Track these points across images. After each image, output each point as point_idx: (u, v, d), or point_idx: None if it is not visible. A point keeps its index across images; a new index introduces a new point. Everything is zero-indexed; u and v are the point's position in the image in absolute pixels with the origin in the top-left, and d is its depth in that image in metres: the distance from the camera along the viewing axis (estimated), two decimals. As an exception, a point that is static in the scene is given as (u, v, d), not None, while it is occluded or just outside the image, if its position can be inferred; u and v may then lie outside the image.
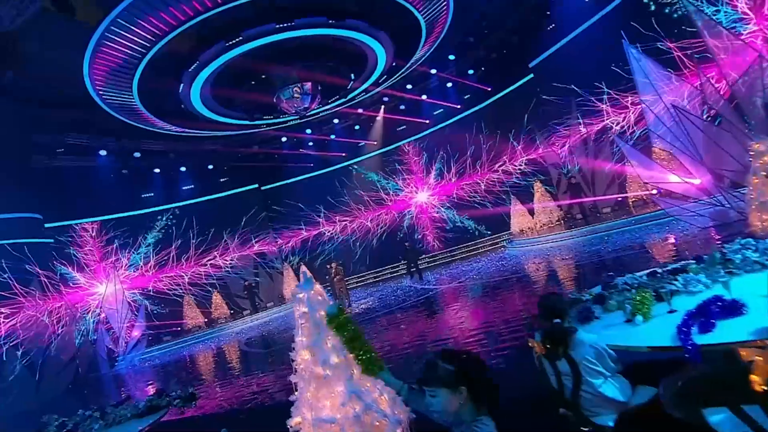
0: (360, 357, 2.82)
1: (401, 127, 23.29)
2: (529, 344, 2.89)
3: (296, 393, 3.75)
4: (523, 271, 11.42)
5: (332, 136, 23.88)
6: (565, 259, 10.97)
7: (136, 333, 16.81)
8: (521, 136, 18.96)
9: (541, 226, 16.81)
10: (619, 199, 14.31)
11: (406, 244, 16.44)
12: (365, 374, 2.88)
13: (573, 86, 15.19)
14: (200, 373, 10.90)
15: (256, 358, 10.81)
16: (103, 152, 18.00)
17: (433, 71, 19.80)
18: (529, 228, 17.22)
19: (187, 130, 18.41)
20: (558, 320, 2.72)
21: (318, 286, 4.12)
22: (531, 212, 17.36)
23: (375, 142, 23.77)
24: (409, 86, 20.95)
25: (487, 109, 20.33)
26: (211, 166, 22.43)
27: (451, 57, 18.68)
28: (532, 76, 17.21)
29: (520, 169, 19.49)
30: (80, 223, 17.93)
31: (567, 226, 15.05)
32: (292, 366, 3.94)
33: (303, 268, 4.77)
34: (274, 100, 15.83)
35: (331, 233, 23.49)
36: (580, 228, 13.65)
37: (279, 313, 19.10)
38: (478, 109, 20.70)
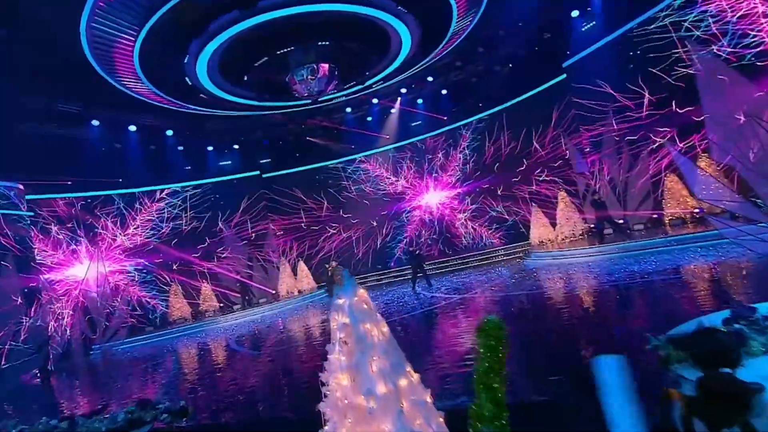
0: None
1: (416, 123, 22.57)
2: (670, 396, 2.15)
3: (326, 428, 3.02)
4: (549, 287, 10.70)
5: (342, 126, 23.08)
6: (597, 278, 10.26)
7: (115, 321, 15.98)
8: (546, 140, 18.31)
9: (562, 239, 16.11)
10: (654, 216, 13.62)
11: (412, 249, 15.65)
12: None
13: (610, 89, 14.56)
14: (183, 372, 10.11)
15: (244, 361, 10.01)
16: (95, 122, 17.12)
17: (458, 64, 19.04)
18: (549, 240, 16.53)
19: (189, 106, 17.61)
20: (728, 369, 1.98)
21: (362, 291, 3.39)
22: (552, 223, 16.65)
23: (387, 136, 22.94)
24: (429, 78, 20.19)
25: (511, 109, 19.61)
26: (210, 147, 21.61)
27: (480, 50, 17.93)
28: (564, 76, 16.51)
29: (542, 176, 18.83)
30: (65, 198, 17.12)
31: (592, 241, 14.34)
32: (321, 391, 3.20)
33: (333, 265, 4.03)
34: (287, 80, 15.06)
35: (334, 229, 22.54)
36: (608, 244, 12.94)
37: (272, 311, 18.27)
38: (502, 109, 19.96)
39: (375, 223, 22.74)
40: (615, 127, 14.72)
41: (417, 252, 15.26)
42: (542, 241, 16.54)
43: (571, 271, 11.83)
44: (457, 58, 18.80)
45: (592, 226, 15.52)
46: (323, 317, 13.81)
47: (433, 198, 22.07)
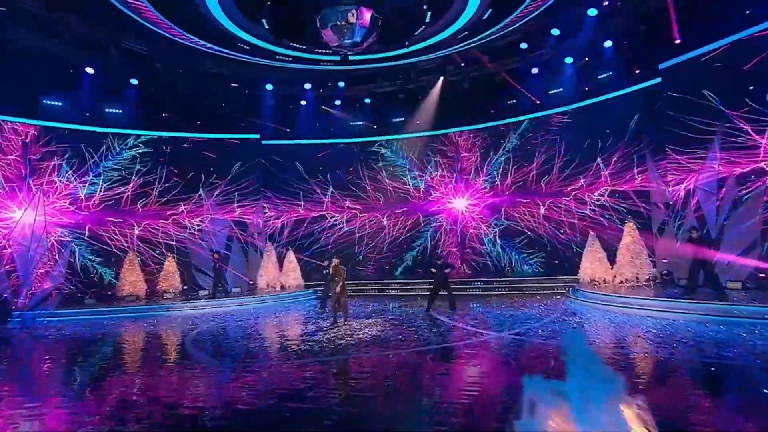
0: None
1: (456, 111, 20.32)
2: None
3: None
4: (612, 345, 8.38)
5: (366, 100, 20.79)
6: (688, 347, 7.93)
7: (48, 284, 13.67)
8: (615, 156, 16.04)
9: (621, 282, 13.81)
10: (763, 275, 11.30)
11: (437, 259, 13.30)
12: None
13: (720, 105, 12.25)
14: (115, 369, 7.79)
15: (199, 370, 7.70)
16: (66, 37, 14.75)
17: (524, 46, 16.75)
18: (603, 279, 14.22)
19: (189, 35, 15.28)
20: None
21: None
22: (611, 259, 14.38)
23: (418, 122, 20.64)
24: (486, 57, 17.90)
25: (577, 112, 17.35)
26: (206, 99, 19.28)
27: (555, 32, 15.63)
28: (658, 80, 14.21)
29: (602, 199, 16.58)
30: (12, 122, 14.82)
31: (665, 293, 12.03)
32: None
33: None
34: (317, 25, 12.74)
35: (335, 219, 20.46)
36: (694, 301, 10.60)
37: (245, 305, 16.03)
38: (565, 111, 17.73)
39: (385, 221, 20.45)
40: (719, 153, 12.42)
41: (443, 264, 12.95)
42: (594, 280, 14.24)
43: (642, 329, 9.51)
44: (522, 38, 16.49)
45: (667, 273, 13.21)
46: (307, 327, 11.56)
47: (460, 203, 19.81)
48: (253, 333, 11.16)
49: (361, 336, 10.09)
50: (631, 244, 13.72)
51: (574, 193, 17.47)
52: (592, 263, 14.33)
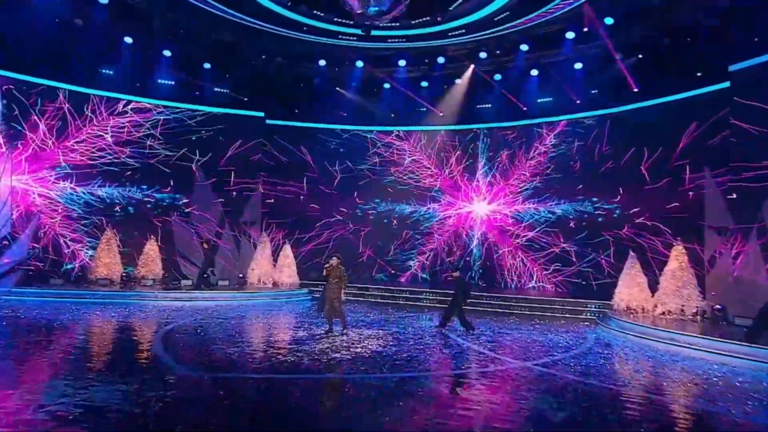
0: None
1: (485, 105, 19.44)
2: None
3: None
4: (680, 396, 7.22)
5: (386, 85, 19.73)
6: (750, 399, 6.77)
7: (7, 260, 12.77)
8: (665, 168, 14.84)
9: (662, 313, 12.61)
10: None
11: (457, 271, 12.11)
12: None
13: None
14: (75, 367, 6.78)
15: (181, 381, 6.69)
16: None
17: (571, 35, 15.61)
18: (641, 308, 13.02)
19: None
20: None
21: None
22: (652, 286, 13.19)
23: (441, 113, 19.68)
24: (523, 47, 16.75)
25: (624, 115, 16.18)
26: (208, 65, 18.30)
27: (609, 21, 14.45)
28: (727, 84, 12.98)
29: (642, 217, 15.40)
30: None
31: (718, 332, 10.82)
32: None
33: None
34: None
35: (340, 215, 19.90)
36: (757, 346, 9.36)
37: (232, 300, 15.14)
38: (610, 113, 16.58)
39: (395, 222, 19.50)
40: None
41: (465, 273, 11.81)
42: (630, 308, 13.05)
43: (696, 375, 8.33)
44: (572, 26, 15.32)
45: (720, 309, 11.99)
46: (297, 333, 10.55)
47: (481, 208, 18.71)
48: (235, 335, 10.15)
49: (358, 350, 9.05)
50: (677, 270, 12.51)
51: (609, 207, 16.27)
52: (630, 288, 13.12)
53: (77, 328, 10.04)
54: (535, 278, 17.91)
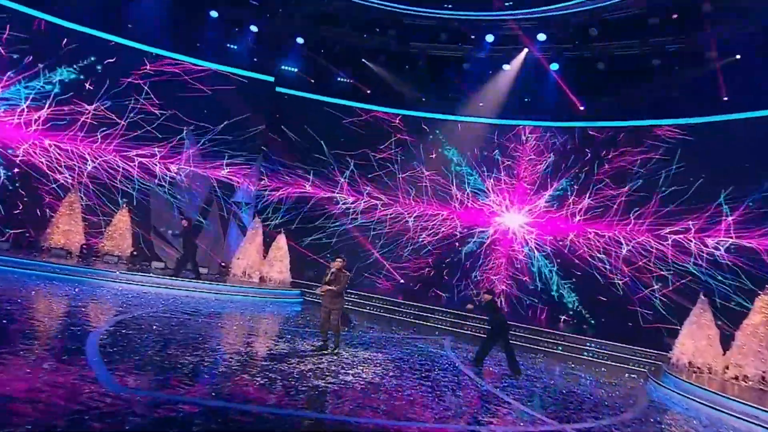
0: None
1: (534, 99, 18.18)
2: None
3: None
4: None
5: (420, 62, 18.33)
6: None
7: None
8: (752, 196, 13.26)
9: (734, 377, 10.97)
10: None
11: (486, 296, 10.39)
12: None
13: None
14: None
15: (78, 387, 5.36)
16: None
17: (654, 20, 14.01)
18: (708, 367, 11.39)
19: None
20: None
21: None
22: (723, 343, 11.57)
23: (482, 104, 18.36)
24: (592, 30, 15.19)
25: (706, 127, 14.59)
26: (215, 13, 17.04)
27: (706, 6, 12.86)
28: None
29: (715, 254, 13.80)
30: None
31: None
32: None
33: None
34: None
35: (349, 207, 18.74)
36: None
37: (208, 293, 13.92)
38: (688, 124, 15.02)
39: (411, 222, 18.75)
40: None
41: (494, 292, 10.37)
42: (694, 365, 11.44)
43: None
44: (656, 12, 13.76)
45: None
46: (278, 345, 9.27)
47: (514, 219, 17.80)
48: (198, 339, 8.81)
49: (348, 379, 7.68)
50: (761, 326, 10.85)
51: (675, 237, 14.62)
52: (696, 341, 11.49)
53: (21, 312, 8.75)
54: (573, 311, 16.48)
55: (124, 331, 8.34)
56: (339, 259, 9.34)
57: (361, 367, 8.58)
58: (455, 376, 9.21)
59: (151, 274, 13.70)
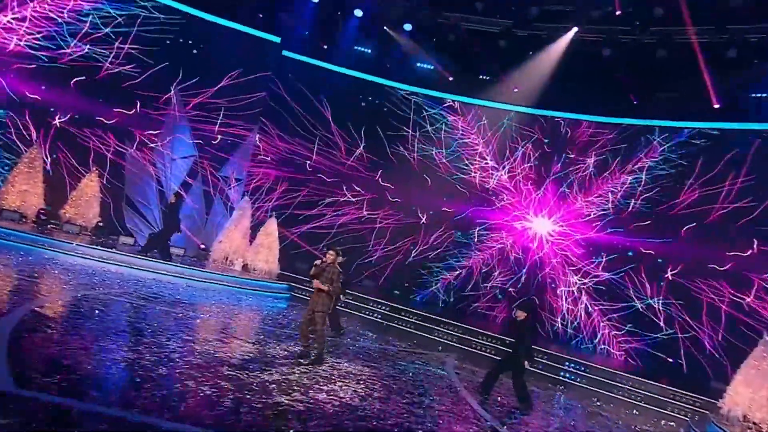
0: None
1: (580, 89, 16.93)
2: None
3: None
4: None
5: (450, 36, 17.44)
6: None
7: None
8: None
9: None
10: None
11: (520, 315, 9.13)
12: None
13: None
14: None
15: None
16: None
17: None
18: (764, 423, 10.24)
19: None
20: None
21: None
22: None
23: (516, 89, 17.62)
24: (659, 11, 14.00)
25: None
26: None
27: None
28: None
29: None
30: None
31: None
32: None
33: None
34: None
35: (353, 195, 18.23)
36: None
37: (178, 276, 13.12)
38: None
39: (423, 219, 17.92)
40: None
41: (535, 317, 9.30)
42: (749, 419, 10.31)
43: None
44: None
45: None
46: (246, 348, 8.43)
47: (542, 225, 17.22)
48: (147, 330, 7.96)
49: (321, 397, 6.83)
50: None
51: (733, 264, 13.85)
52: (754, 391, 10.33)
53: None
54: (599, 337, 15.75)
55: (54, 313, 7.47)
56: (332, 252, 8.46)
57: (341, 384, 7.68)
58: (454, 405, 8.28)
59: (114, 250, 12.91)
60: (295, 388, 6.86)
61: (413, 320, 14.63)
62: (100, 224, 14.47)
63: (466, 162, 17.91)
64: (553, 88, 16.63)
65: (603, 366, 13.21)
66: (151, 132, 15.87)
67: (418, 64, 18.50)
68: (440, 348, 13.06)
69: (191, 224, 16.12)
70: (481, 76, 18.05)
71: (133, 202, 15.63)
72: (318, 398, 6.68)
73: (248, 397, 6.08)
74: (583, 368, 12.79)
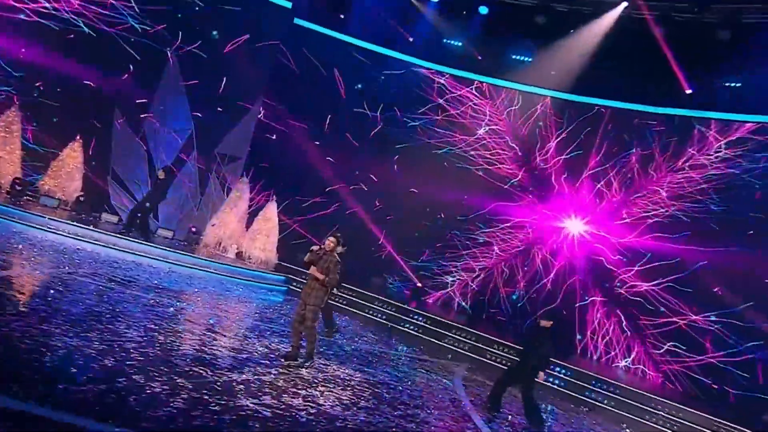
0: None
1: (625, 73, 16.14)
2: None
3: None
4: None
5: (482, 9, 16.89)
6: None
7: None
8: None
9: None
10: None
11: (545, 323, 8.55)
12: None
13: None
14: None
15: None
16: None
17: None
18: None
19: None
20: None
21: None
22: None
23: (554, 72, 17.03)
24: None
25: None
26: None
27: None
28: None
29: None
30: None
31: None
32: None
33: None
34: None
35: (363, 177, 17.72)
36: None
37: (162, 261, 12.85)
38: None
39: (442, 214, 17.76)
40: None
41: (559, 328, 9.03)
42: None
43: None
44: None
45: None
46: (224, 340, 8.04)
47: (574, 225, 16.96)
48: (106, 315, 7.59)
49: (296, 402, 6.36)
50: None
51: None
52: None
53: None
54: (633, 355, 15.24)
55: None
56: (332, 239, 8.02)
57: (323, 389, 7.25)
58: (454, 421, 7.81)
59: (90, 227, 12.67)
60: (267, 390, 6.46)
61: (422, 323, 14.28)
62: (81, 199, 14.40)
63: (492, 151, 17.52)
64: (594, 71, 16.08)
65: (636, 388, 12.69)
66: (143, 101, 15.71)
67: (444, 40, 18.10)
68: (450, 356, 12.75)
69: (183, 205, 15.96)
70: (514, 56, 17.61)
71: (119, 177, 15.58)
72: (292, 404, 6.25)
73: (206, 397, 5.63)
74: (612, 389, 12.31)
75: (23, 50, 14.42)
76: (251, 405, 5.78)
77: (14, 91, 14.32)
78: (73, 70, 14.84)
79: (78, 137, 14.50)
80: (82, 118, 15.01)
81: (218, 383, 6.16)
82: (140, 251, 12.70)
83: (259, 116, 17.09)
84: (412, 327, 14.07)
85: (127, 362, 5.94)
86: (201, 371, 6.39)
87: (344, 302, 14.18)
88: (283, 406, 6.03)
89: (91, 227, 12.64)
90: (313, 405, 6.41)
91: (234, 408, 5.57)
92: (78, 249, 11.41)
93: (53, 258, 10.03)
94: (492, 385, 9.02)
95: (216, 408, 5.40)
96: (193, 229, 15.67)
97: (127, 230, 13.03)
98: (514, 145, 17.40)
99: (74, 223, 12.48)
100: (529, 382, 8.33)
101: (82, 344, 6.02)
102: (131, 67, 15.27)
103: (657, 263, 15.16)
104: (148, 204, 13.67)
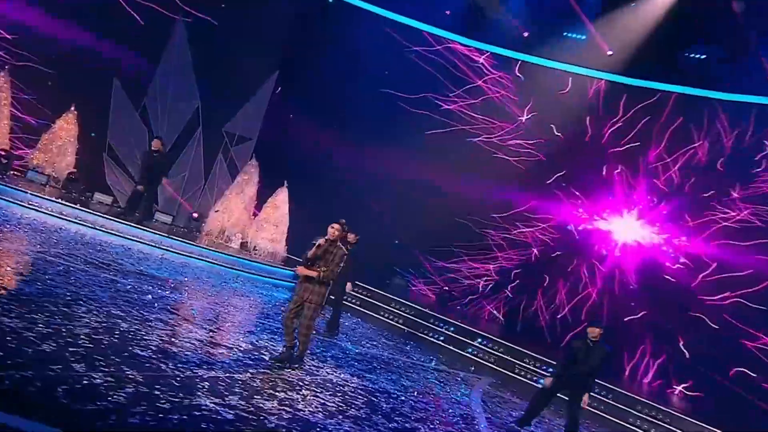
0: None
1: (694, 55, 16.06)
2: None
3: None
4: None
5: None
6: None
7: None
8: None
9: None
10: None
11: (594, 332, 8.02)
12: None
13: None
14: None
15: None
16: None
17: None
18: None
19: None
20: None
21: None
22: None
23: (611, 53, 16.80)
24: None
25: None
26: None
27: None
28: None
29: None
30: None
31: None
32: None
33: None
34: None
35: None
36: None
37: (155, 246, 12.71)
38: None
39: (473, 212, 17.60)
40: None
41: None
42: None
43: None
44: None
45: None
46: (206, 333, 7.72)
47: (629, 230, 16.84)
48: (72, 299, 7.29)
49: (270, 405, 5.92)
50: None
51: None
52: None
53: None
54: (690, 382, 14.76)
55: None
56: (336, 225, 7.65)
57: (307, 392, 6.84)
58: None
59: (78, 206, 12.65)
60: (237, 390, 6.03)
61: (446, 331, 13.95)
62: (73, 176, 14.44)
63: (535, 141, 17.28)
64: (658, 51, 15.97)
65: (690, 417, 12.02)
66: (144, 71, 15.88)
67: (486, 15, 17.88)
68: (472, 368, 12.41)
69: (184, 187, 15.98)
70: (564, 33, 17.37)
71: (117, 154, 15.68)
72: (263, 406, 5.82)
73: (156, 393, 5.18)
74: (660, 416, 11.78)
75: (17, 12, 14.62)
76: (210, 405, 5.34)
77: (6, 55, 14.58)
78: (67, 35, 14.98)
79: (72, 107, 14.62)
80: (77, 88, 15.05)
81: (177, 378, 5.74)
82: (132, 235, 12.61)
83: (274, 90, 17.19)
84: (432, 334, 13.80)
85: (70, 348, 5.56)
86: (161, 364, 5.97)
87: (357, 303, 13.97)
88: (251, 409, 5.59)
89: (78, 206, 12.60)
90: (289, 410, 5.96)
91: (187, 407, 5.12)
92: (60, 228, 11.33)
93: (25, 236, 9.87)
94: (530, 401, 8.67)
95: (165, 405, 4.96)
96: (194, 214, 15.84)
97: (126, 214, 12.92)
98: (560, 134, 17.07)
99: (60, 201, 12.48)
100: (578, 405, 7.95)
101: (21, 326, 5.66)
102: (132, 35, 15.39)
103: (724, 275, 14.68)
104: (151, 187, 13.38)
